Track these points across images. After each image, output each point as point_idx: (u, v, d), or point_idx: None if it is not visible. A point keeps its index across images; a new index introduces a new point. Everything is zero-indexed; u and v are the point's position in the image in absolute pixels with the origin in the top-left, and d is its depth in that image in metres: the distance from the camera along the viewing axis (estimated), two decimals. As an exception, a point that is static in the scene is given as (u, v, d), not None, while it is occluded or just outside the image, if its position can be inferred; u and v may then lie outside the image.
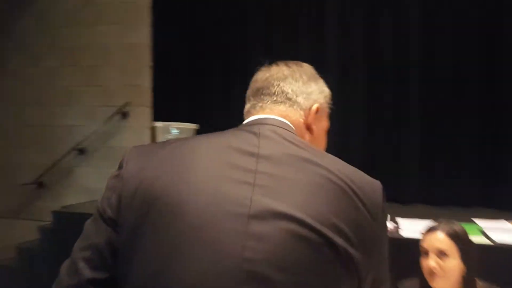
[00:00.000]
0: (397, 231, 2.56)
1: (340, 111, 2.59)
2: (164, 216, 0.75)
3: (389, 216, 2.81)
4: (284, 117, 0.94)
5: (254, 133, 0.87)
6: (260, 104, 0.97)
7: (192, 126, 4.14)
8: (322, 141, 1.03)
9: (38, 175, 4.55)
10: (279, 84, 0.98)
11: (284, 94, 0.97)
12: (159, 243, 0.74)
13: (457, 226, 1.51)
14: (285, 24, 4.07)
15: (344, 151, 3.23)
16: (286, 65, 1.02)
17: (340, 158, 0.86)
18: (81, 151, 4.51)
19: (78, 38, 4.61)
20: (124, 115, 4.41)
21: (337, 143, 3.43)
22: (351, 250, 0.75)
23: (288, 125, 0.93)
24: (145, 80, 4.38)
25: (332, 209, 0.76)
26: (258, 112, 0.96)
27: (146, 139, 4.14)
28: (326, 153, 0.89)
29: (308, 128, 0.98)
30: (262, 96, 0.98)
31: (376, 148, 3.86)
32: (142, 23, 4.41)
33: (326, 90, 1.04)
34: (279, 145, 0.85)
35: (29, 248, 3.69)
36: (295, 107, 0.97)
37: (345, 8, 3.96)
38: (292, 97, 0.97)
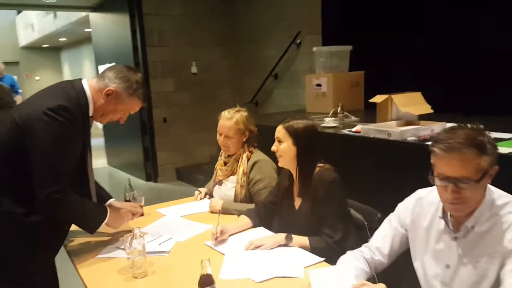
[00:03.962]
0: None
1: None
2: None
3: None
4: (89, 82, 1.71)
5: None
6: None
7: (346, 48, 4.53)
8: (111, 110, 1.71)
9: (253, 96, 5.96)
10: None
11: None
12: None
13: (298, 122, 1.83)
14: None
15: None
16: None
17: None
18: (275, 76, 5.60)
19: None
20: (299, 43, 5.16)
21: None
22: None
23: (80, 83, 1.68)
24: (316, 11, 4.93)
25: None
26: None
27: (313, 63, 4.79)
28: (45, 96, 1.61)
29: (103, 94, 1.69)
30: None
31: None
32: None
33: (122, 85, 1.68)
34: None
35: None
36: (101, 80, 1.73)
37: None
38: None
